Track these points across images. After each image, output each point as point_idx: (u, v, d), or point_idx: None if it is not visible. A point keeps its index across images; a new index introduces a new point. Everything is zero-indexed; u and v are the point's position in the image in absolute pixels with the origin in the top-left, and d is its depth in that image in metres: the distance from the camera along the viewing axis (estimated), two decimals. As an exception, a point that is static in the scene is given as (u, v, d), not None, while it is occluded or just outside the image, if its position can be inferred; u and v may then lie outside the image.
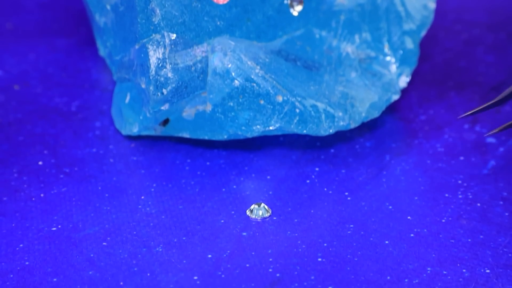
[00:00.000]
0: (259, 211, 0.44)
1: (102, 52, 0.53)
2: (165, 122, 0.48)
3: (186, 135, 0.48)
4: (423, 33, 0.51)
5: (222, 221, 0.44)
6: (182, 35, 0.46)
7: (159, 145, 0.50)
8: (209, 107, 0.47)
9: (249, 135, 0.47)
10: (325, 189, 0.46)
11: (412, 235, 0.43)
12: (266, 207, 0.44)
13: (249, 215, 0.44)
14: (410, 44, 0.50)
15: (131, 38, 0.47)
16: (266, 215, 0.44)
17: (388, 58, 0.50)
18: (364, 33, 0.50)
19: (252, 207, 0.44)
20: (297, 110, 0.46)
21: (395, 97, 0.49)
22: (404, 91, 0.52)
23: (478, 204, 0.45)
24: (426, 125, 0.52)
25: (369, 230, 0.43)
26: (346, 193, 0.46)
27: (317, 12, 0.49)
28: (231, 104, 0.46)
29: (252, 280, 0.40)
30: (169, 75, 0.45)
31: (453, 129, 0.51)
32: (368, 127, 0.50)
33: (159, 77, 0.45)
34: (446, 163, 0.48)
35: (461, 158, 0.49)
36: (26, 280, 0.41)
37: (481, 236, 0.43)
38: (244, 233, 0.43)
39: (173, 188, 0.46)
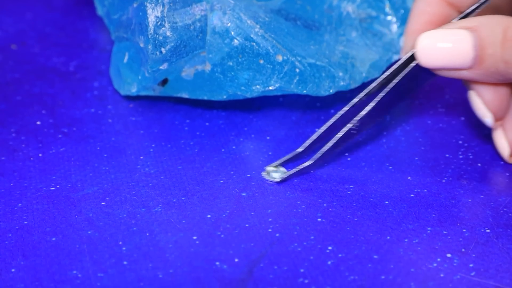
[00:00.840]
0: (275, 173, 0.44)
1: (100, 11, 0.53)
2: (164, 82, 0.47)
3: (185, 95, 0.48)
4: (425, -8, 0.51)
5: (222, 181, 0.44)
6: (180, -7, 0.45)
7: (158, 105, 0.50)
8: (208, 67, 0.46)
9: (248, 95, 0.46)
10: (325, 149, 0.46)
11: (412, 195, 0.43)
12: (283, 169, 0.44)
13: (266, 177, 0.44)
14: (411, 3, 0.50)
15: (129, -3, 0.47)
16: (284, 176, 0.44)
17: (389, 18, 0.49)
18: (365, -8, 0.49)
19: (268, 168, 0.44)
20: (297, 70, 0.46)
21: (396, 57, 0.49)
22: (405, 51, 0.51)
23: (479, 164, 0.45)
24: (426, 86, 0.51)
25: (369, 191, 0.43)
26: (346, 154, 0.46)
27: (317, -29, 0.48)
28: (231, 63, 0.46)
29: (252, 240, 0.40)
30: (168, 34, 0.45)
31: (454, 90, 0.51)
32: (368, 88, 0.50)
33: (157, 36, 0.45)
34: (446, 124, 0.48)
35: (462, 118, 0.48)
36: (24, 240, 0.40)
37: (482, 196, 0.43)
38: (244, 194, 0.43)
39: (172, 149, 0.46)
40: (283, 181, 0.44)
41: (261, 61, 0.46)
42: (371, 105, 0.42)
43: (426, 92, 0.50)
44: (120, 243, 0.40)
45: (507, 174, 0.44)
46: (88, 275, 0.39)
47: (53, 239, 0.41)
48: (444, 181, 0.44)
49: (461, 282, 0.39)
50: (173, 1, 0.45)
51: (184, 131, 0.48)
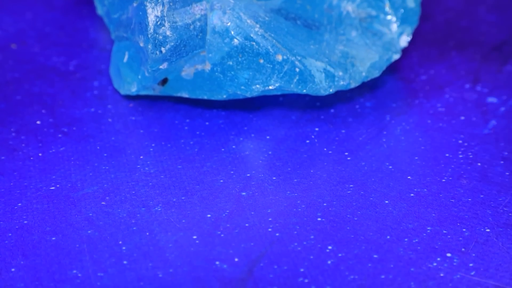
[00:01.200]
0: None
1: (100, 10, 0.53)
2: (164, 81, 0.47)
3: (185, 94, 0.48)
4: (425, -9, 0.51)
5: (222, 181, 0.44)
6: (180, -7, 0.45)
7: (158, 105, 0.50)
8: (208, 67, 0.46)
9: (248, 95, 0.46)
10: (325, 149, 0.46)
11: (412, 194, 0.43)
12: None
13: None
14: (411, 2, 0.50)
15: (129, -4, 0.47)
16: None
17: (389, 17, 0.49)
18: (365, -8, 0.49)
19: None
20: (297, 70, 0.46)
21: (396, 56, 0.49)
22: (405, 51, 0.52)
23: (479, 164, 0.45)
24: (426, 85, 0.51)
25: (369, 190, 0.43)
26: (346, 153, 0.46)
27: (317, -30, 0.48)
28: (231, 63, 0.46)
29: (252, 239, 0.40)
30: (168, 33, 0.45)
31: (454, 89, 0.51)
32: (368, 87, 0.50)
33: (157, 36, 0.45)
34: (446, 123, 0.48)
35: (462, 117, 0.48)
36: (24, 239, 0.40)
37: (482, 196, 0.43)
38: (244, 193, 0.43)
39: (172, 148, 0.46)
40: None
41: (261, 61, 0.46)
42: None
43: (426, 91, 0.50)
44: (120, 242, 0.40)
45: (507, 173, 0.44)
46: (88, 275, 0.39)
47: (53, 238, 0.41)
48: (444, 180, 0.44)
49: (461, 281, 0.39)
50: (173, 0, 0.45)
51: (184, 130, 0.48)
